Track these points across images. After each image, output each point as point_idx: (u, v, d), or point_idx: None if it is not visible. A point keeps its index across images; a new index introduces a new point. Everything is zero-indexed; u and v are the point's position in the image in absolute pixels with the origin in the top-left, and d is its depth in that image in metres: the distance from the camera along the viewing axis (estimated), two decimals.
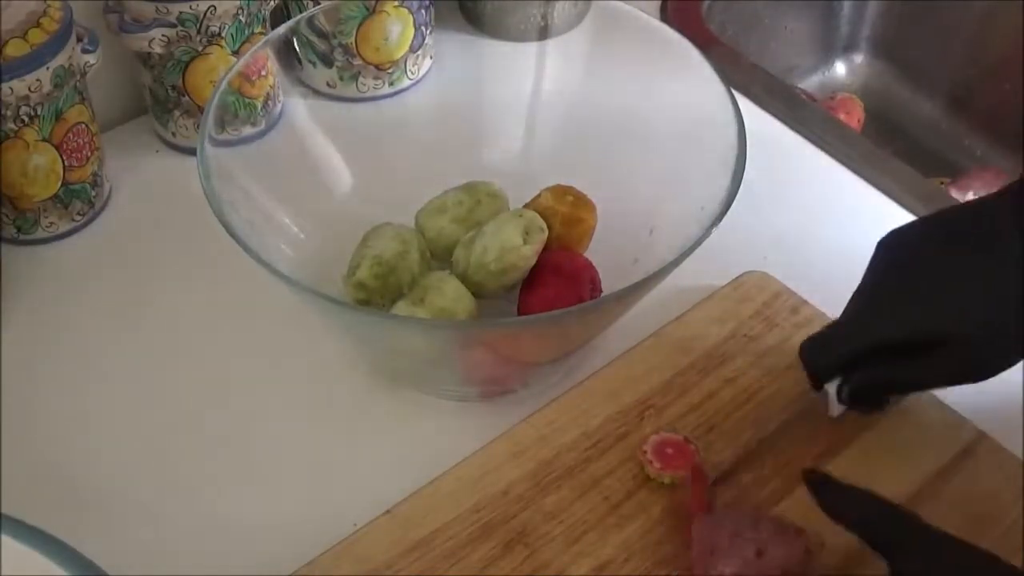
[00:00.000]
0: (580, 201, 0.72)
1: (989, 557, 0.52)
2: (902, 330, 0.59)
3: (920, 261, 0.60)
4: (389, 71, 0.86)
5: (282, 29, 0.73)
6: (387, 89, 0.87)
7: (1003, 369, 0.59)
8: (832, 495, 0.57)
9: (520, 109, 0.79)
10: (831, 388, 0.63)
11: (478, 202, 0.72)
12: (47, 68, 0.71)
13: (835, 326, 0.64)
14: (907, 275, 0.60)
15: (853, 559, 0.58)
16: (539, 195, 0.72)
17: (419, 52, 0.87)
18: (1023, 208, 0.58)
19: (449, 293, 0.66)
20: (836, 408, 0.64)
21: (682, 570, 0.60)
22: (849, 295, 0.63)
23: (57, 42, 0.72)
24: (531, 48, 0.87)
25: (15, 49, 0.70)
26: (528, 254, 0.68)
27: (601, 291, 0.69)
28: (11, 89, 0.70)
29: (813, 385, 0.64)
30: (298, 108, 0.78)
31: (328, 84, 0.84)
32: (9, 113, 0.72)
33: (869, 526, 0.55)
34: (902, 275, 0.61)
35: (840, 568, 0.58)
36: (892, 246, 0.62)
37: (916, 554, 0.52)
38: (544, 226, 0.69)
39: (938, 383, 0.63)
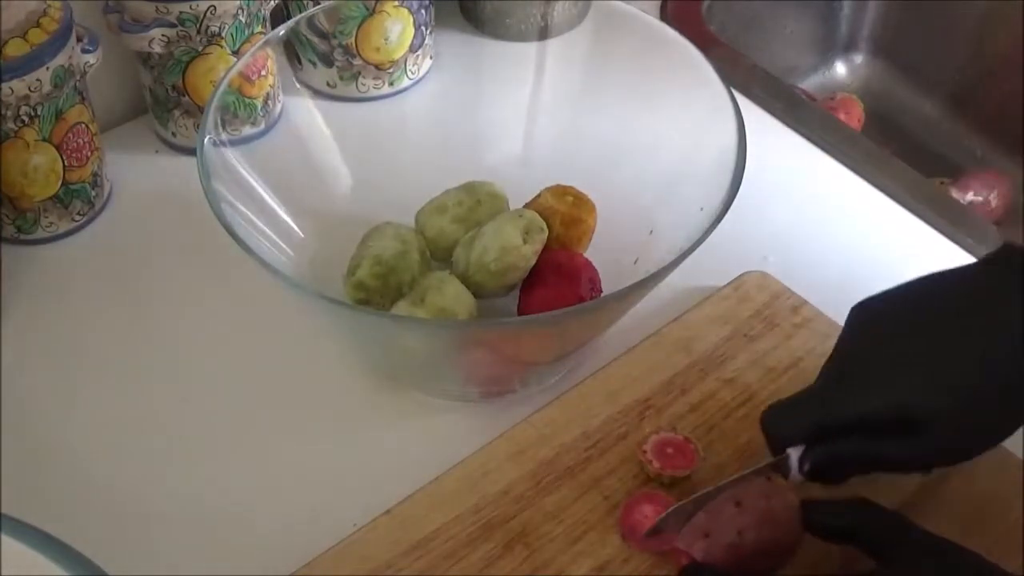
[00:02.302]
0: (580, 201, 0.72)
1: (978, 559, 0.52)
2: (866, 407, 0.56)
3: (895, 335, 0.57)
4: (389, 71, 0.86)
5: (282, 29, 0.73)
6: (387, 89, 0.87)
7: (977, 453, 0.56)
8: (817, 511, 0.57)
9: (520, 109, 0.79)
10: (793, 453, 0.59)
11: (478, 202, 0.72)
12: (47, 68, 0.71)
13: (800, 395, 0.60)
14: (880, 348, 0.57)
15: (851, 559, 0.58)
16: (539, 195, 0.72)
17: (419, 52, 0.87)
18: None
19: (449, 293, 0.66)
20: (795, 476, 0.60)
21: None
22: (849, 295, 0.63)
23: (57, 42, 0.72)
24: (531, 48, 0.87)
25: (15, 49, 0.70)
26: (528, 254, 0.68)
27: (601, 291, 0.69)
28: (11, 89, 0.70)
29: (771, 450, 0.60)
30: (298, 108, 0.78)
31: (328, 84, 0.84)
32: (9, 113, 0.72)
33: (858, 530, 0.55)
34: (874, 347, 0.57)
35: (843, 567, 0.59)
36: (866, 314, 0.59)
37: (906, 556, 0.53)
38: (544, 226, 0.69)
39: (904, 464, 0.58)
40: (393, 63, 0.86)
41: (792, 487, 0.58)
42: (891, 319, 0.58)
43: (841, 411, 0.57)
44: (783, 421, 0.59)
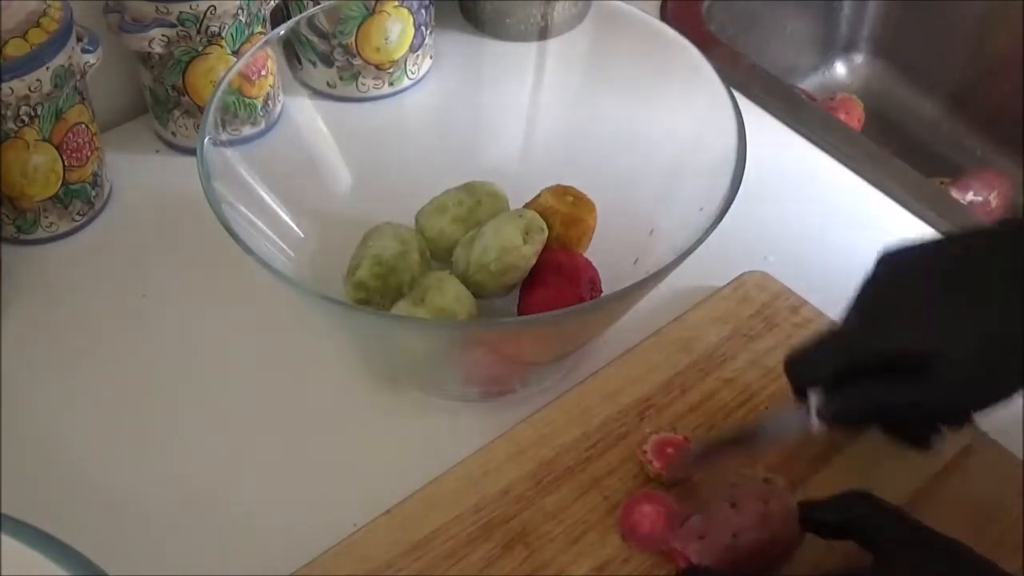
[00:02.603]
0: (580, 201, 0.72)
1: (974, 556, 0.52)
2: (892, 344, 0.57)
3: (923, 279, 0.58)
4: (389, 71, 0.86)
5: (282, 29, 0.73)
6: (387, 89, 0.87)
7: (998, 401, 0.56)
8: (814, 509, 0.57)
9: (520, 109, 0.79)
10: (812, 401, 0.59)
11: (478, 202, 0.72)
12: (47, 68, 0.71)
13: (825, 336, 0.60)
14: (907, 291, 0.58)
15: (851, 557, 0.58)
16: (539, 195, 0.72)
17: (419, 52, 0.87)
18: None
19: (449, 293, 0.66)
20: (816, 425, 0.59)
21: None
22: (850, 295, 0.63)
23: (57, 42, 0.72)
24: (531, 48, 0.87)
25: (15, 49, 0.70)
26: (528, 254, 0.68)
27: (601, 291, 0.69)
28: (11, 89, 0.70)
29: (796, 396, 0.60)
30: (298, 108, 0.78)
31: (328, 84, 0.84)
32: (9, 113, 0.72)
33: (855, 524, 0.55)
34: (902, 290, 0.58)
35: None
36: (895, 260, 0.60)
37: (901, 551, 0.53)
38: (544, 226, 0.69)
39: (925, 407, 0.58)
40: (393, 63, 0.86)
41: (788, 489, 0.58)
42: (920, 265, 0.59)
43: (865, 350, 0.57)
44: (807, 362, 0.59)
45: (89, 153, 0.78)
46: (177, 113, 0.83)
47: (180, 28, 0.78)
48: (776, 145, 0.88)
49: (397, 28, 0.84)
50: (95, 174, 0.80)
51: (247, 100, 0.79)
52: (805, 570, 0.58)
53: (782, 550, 0.57)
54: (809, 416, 0.59)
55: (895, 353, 0.56)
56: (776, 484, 0.58)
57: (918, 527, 0.54)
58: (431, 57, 0.89)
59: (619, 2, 0.74)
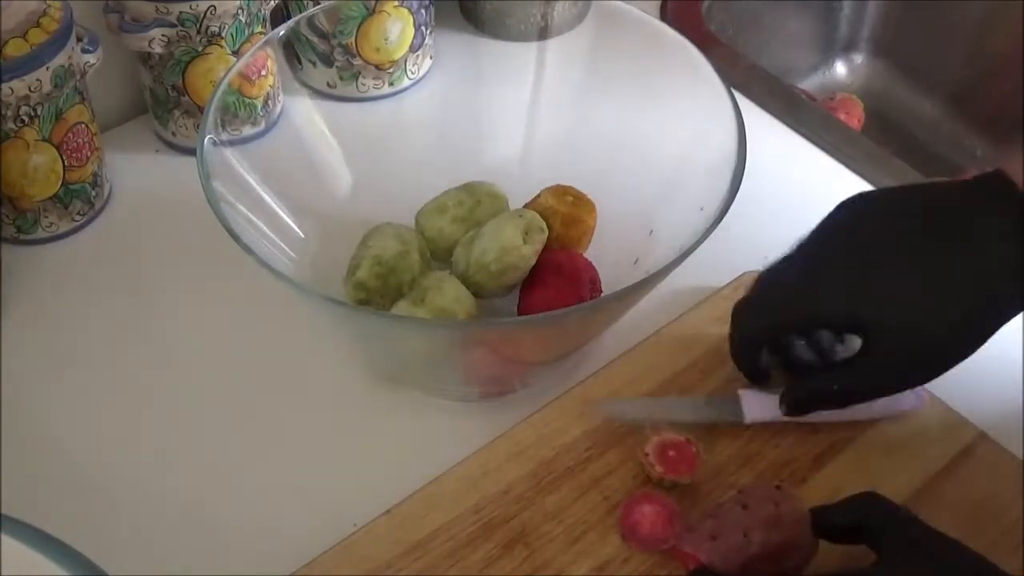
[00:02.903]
0: (580, 201, 0.72)
1: (977, 558, 0.52)
2: (834, 309, 0.59)
3: (880, 237, 0.59)
4: (389, 71, 0.86)
5: (282, 29, 0.73)
6: (387, 89, 0.87)
7: (926, 377, 0.59)
8: (823, 513, 0.57)
9: (520, 109, 0.79)
10: (746, 397, 0.65)
11: (478, 202, 0.72)
12: (47, 68, 0.71)
13: (769, 289, 0.63)
14: (862, 250, 0.59)
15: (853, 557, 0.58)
16: (539, 195, 0.72)
17: (419, 52, 0.87)
18: None
19: (449, 293, 0.66)
20: (765, 412, 0.65)
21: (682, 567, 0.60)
22: None
23: (57, 42, 0.72)
24: (531, 48, 0.87)
25: (15, 49, 0.70)
26: (528, 254, 0.68)
27: (601, 291, 0.69)
28: (11, 89, 0.70)
29: (739, 351, 0.64)
30: (298, 108, 0.78)
31: (328, 84, 0.84)
32: (9, 113, 0.72)
33: (862, 524, 0.55)
34: (855, 249, 0.59)
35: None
36: (850, 214, 0.61)
37: (903, 551, 0.53)
38: (544, 226, 0.69)
39: (879, 386, 0.60)
40: (393, 63, 0.86)
41: (799, 496, 0.58)
42: (871, 227, 0.60)
43: (804, 311, 0.60)
44: (754, 316, 0.63)
45: (89, 153, 0.78)
46: (177, 113, 0.83)
47: (180, 28, 0.78)
48: (776, 145, 0.88)
49: (397, 28, 0.84)
50: (95, 174, 0.80)
51: (247, 100, 0.79)
52: (808, 571, 0.58)
53: (796, 556, 0.56)
54: (742, 412, 0.65)
55: (832, 318, 0.60)
56: (786, 490, 0.58)
57: (922, 529, 0.54)
58: (431, 57, 0.89)
59: (619, 2, 0.74)
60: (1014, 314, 0.57)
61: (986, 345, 0.58)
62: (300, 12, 0.83)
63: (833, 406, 0.63)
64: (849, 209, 0.61)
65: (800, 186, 0.85)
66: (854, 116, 1.07)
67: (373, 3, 0.82)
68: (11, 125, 0.72)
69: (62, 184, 0.77)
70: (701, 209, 0.63)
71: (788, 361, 0.66)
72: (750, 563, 0.55)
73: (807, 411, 0.63)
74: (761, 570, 0.56)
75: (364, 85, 0.85)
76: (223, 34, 0.79)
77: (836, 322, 0.61)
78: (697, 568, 0.57)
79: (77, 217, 0.79)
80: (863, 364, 0.59)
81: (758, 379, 0.65)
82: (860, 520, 0.55)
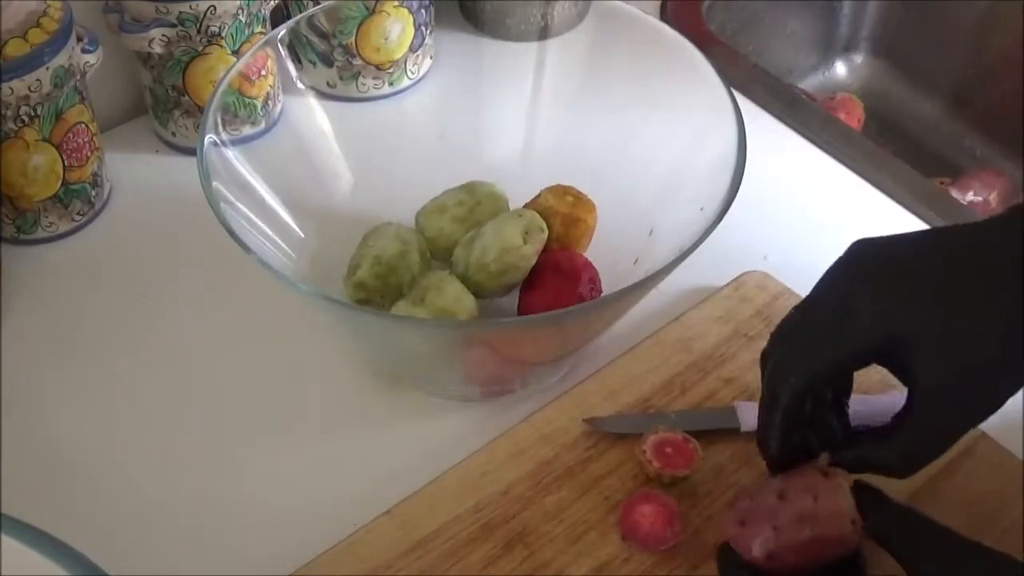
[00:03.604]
0: (580, 201, 0.72)
1: (1006, 560, 0.51)
2: (871, 339, 0.53)
3: (900, 273, 0.54)
4: (389, 71, 0.86)
5: (282, 29, 0.73)
6: (387, 89, 0.87)
7: (997, 396, 0.53)
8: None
9: (520, 109, 0.79)
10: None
11: (478, 202, 0.72)
12: (47, 68, 0.71)
13: (807, 338, 0.56)
14: (890, 274, 0.54)
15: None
16: (539, 195, 0.72)
17: (419, 52, 0.87)
18: None
19: (449, 293, 0.66)
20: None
21: (686, 567, 0.60)
22: None
23: (57, 42, 0.72)
24: (531, 48, 0.87)
25: (15, 49, 0.70)
26: (528, 254, 0.68)
27: (601, 291, 0.69)
28: (11, 89, 0.70)
29: (789, 406, 0.55)
30: (298, 108, 0.78)
31: (328, 84, 0.84)
32: (9, 113, 0.72)
33: (882, 529, 0.54)
34: (885, 274, 0.55)
35: None
36: (870, 250, 0.56)
37: (932, 557, 0.52)
38: (544, 226, 0.69)
39: (939, 435, 0.54)
40: (393, 63, 0.86)
41: (847, 486, 0.55)
42: (897, 257, 0.55)
43: (849, 346, 0.54)
44: (796, 363, 0.55)
45: (89, 153, 0.78)
46: (177, 113, 0.83)
47: (180, 28, 0.78)
48: (776, 145, 0.88)
49: (397, 28, 0.84)
50: (95, 174, 0.80)
51: (247, 100, 0.79)
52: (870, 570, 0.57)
53: (831, 551, 0.54)
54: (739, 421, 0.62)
55: (868, 349, 0.54)
56: (834, 479, 0.55)
57: (932, 527, 0.53)
58: (431, 57, 0.89)
59: (619, 2, 0.74)
60: None
61: None
62: (300, 12, 0.83)
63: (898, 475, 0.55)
64: (863, 244, 0.57)
65: (800, 186, 0.85)
66: (854, 116, 1.07)
67: (373, 3, 0.82)
68: (11, 125, 0.72)
69: (62, 184, 0.77)
70: (701, 209, 0.63)
71: (821, 434, 0.58)
72: (778, 553, 0.54)
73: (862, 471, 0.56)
74: (790, 561, 0.54)
75: (364, 85, 0.85)
76: (223, 34, 0.79)
77: (881, 346, 0.54)
78: (724, 546, 0.56)
79: (77, 217, 0.79)
80: (913, 415, 0.53)
81: (792, 459, 0.57)
82: (887, 538, 0.52)
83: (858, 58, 1.18)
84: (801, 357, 0.56)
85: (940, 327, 0.53)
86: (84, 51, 0.76)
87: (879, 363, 0.55)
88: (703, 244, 0.60)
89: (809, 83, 1.16)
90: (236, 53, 0.81)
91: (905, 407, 0.54)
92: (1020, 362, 0.52)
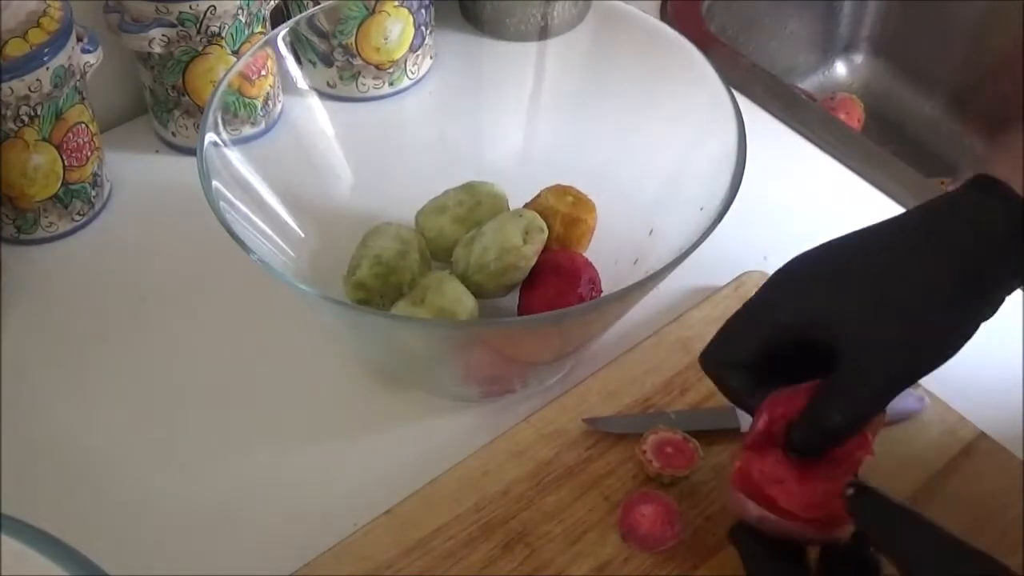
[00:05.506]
0: (580, 201, 0.72)
1: (999, 566, 0.51)
2: (797, 317, 0.56)
3: (842, 255, 0.57)
4: (389, 71, 0.86)
5: (282, 29, 0.73)
6: (387, 89, 0.87)
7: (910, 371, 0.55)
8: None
9: (520, 109, 0.79)
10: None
11: (478, 202, 0.72)
12: (47, 68, 0.71)
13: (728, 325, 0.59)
14: (821, 266, 0.57)
15: None
16: (539, 195, 0.72)
17: (419, 52, 0.87)
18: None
19: (449, 293, 0.66)
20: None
21: (686, 567, 0.60)
22: None
23: (57, 42, 0.72)
24: (531, 48, 0.87)
25: (15, 49, 0.70)
26: (528, 254, 0.68)
27: (601, 291, 0.69)
28: (11, 89, 0.70)
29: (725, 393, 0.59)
30: (298, 108, 0.78)
31: (328, 84, 0.84)
32: (9, 113, 0.72)
33: (878, 530, 0.54)
34: (815, 267, 0.58)
35: None
36: (792, 265, 0.59)
37: (925, 558, 0.52)
38: (544, 226, 0.69)
39: (875, 391, 0.55)
40: (393, 63, 0.86)
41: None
42: (832, 251, 0.58)
43: (771, 322, 0.57)
44: (716, 354, 0.59)
45: (89, 153, 0.78)
46: (177, 113, 0.83)
47: (180, 28, 0.78)
48: (776, 145, 0.88)
49: (397, 28, 0.84)
50: (95, 174, 0.80)
51: (247, 100, 0.79)
52: None
53: (843, 529, 0.54)
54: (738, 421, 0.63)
55: (799, 329, 0.56)
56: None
57: (952, 537, 0.53)
58: (431, 57, 0.89)
59: (619, 2, 0.74)
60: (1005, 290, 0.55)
61: (986, 345, 0.58)
62: (300, 12, 0.83)
63: (846, 434, 0.56)
64: (790, 265, 0.59)
65: (800, 186, 0.85)
66: (854, 116, 1.07)
67: (373, 3, 0.82)
68: (11, 125, 0.72)
69: (62, 184, 0.77)
70: (701, 209, 0.63)
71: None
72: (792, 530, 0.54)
73: (820, 450, 0.56)
74: (806, 535, 0.54)
75: (364, 85, 0.85)
76: (223, 34, 0.79)
77: (805, 325, 0.56)
78: (739, 524, 0.56)
79: (77, 217, 0.79)
80: (847, 373, 0.55)
81: (743, 399, 0.59)
82: (884, 540, 0.52)
83: (858, 58, 1.18)
84: (726, 340, 0.58)
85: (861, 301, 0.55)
86: (84, 51, 0.76)
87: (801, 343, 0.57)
88: (703, 244, 0.60)
89: (809, 83, 1.16)
90: (236, 53, 0.81)
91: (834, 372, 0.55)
92: (937, 317, 0.54)
